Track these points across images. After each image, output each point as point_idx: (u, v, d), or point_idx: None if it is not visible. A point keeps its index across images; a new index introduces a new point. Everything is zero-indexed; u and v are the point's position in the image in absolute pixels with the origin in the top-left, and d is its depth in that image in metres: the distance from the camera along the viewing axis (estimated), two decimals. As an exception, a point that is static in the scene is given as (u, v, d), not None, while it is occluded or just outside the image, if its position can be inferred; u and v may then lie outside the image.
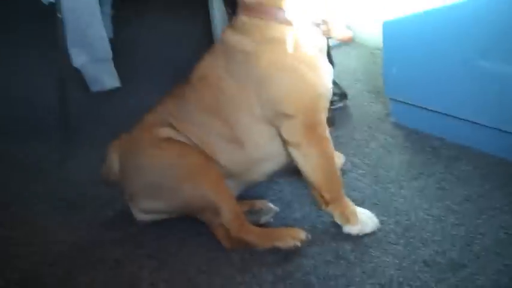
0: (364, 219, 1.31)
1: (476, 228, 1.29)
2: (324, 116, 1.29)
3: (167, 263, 1.29)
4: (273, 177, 1.49)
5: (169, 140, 1.33)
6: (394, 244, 1.28)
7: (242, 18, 1.26)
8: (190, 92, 1.34)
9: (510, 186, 1.43)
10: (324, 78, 1.28)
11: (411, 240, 1.28)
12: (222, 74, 1.30)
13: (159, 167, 1.32)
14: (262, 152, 1.34)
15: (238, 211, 1.31)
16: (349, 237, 1.30)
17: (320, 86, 1.27)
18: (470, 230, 1.29)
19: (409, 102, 1.71)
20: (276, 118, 1.27)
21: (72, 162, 1.78)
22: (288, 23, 1.23)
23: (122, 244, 1.37)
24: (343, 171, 1.56)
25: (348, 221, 1.30)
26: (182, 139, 1.34)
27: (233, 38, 1.27)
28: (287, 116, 1.25)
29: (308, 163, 1.28)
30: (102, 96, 2.03)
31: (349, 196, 1.44)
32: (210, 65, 1.32)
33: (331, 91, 1.33)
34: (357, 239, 1.30)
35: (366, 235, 1.31)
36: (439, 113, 1.64)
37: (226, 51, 1.29)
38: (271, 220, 1.41)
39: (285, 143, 1.29)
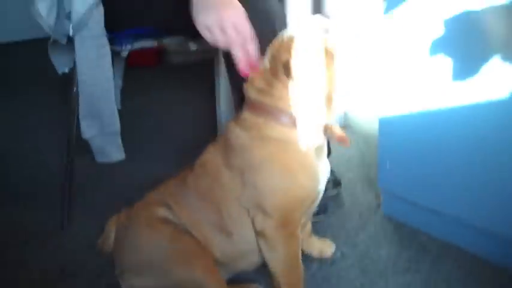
0: None
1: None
2: (300, 215, 1.33)
3: None
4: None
5: (164, 220, 1.37)
6: None
7: (245, 113, 1.32)
8: (191, 177, 1.39)
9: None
10: (315, 180, 1.32)
11: None
12: (219, 164, 1.35)
13: (150, 248, 1.34)
14: (248, 244, 1.37)
15: None
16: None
17: (308, 188, 1.31)
18: (452, 331, 1.33)
19: (400, 196, 1.77)
20: (252, 207, 1.31)
21: (70, 229, 1.82)
22: (289, 126, 1.27)
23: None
24: (332, 261, 1.61)
25: None
26: (177, 221, 1.38)
27: (234, 131, 1.33)
28: (263, 211, 1.29)
29: (273, 255, 1.32)
30: (105, 167, 2.09)
31: (337, 287, 1.49)
32: (211, 153, 1.38)
33: (320, 193, 1.37)
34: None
35: (351, 329, 1.34)
36: (427, 208, 1.70)
37: (226, 142, 1.35)
38: None
39: (255, 231, 1.33)
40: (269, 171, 1.29)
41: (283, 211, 1.29)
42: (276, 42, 1.27)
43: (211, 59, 2.64)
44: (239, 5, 1.18)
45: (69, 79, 1.79)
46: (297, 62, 1.21)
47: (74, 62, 1.77)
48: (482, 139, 1.50)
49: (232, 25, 1.18)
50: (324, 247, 1.63)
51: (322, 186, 1.36)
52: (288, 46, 1.23)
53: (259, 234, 1.32)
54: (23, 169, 2.26)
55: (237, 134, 1.33)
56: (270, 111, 1.28)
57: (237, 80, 1.71)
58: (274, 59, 1.25)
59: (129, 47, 1.81)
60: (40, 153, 2.37)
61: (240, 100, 1.73)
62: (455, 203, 1.61)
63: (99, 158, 1.95)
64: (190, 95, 3.07)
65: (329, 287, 1.51)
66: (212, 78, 2.45)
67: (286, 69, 1.22)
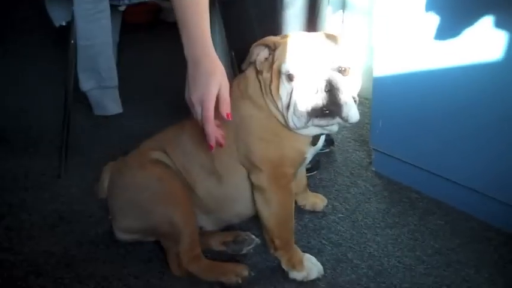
0: (309, 267, 1.38)
1: (442, 280, 1.39)
2: (291, 170, 1.35)
3: (153, 285, 1.36)
4: (244, 221, 1.55)
5: (156, 161, 1.41)
6: (365, 286, 1.37)
7: (250, 72, 1.35)
8: (189, 123, 1.42)
9: (476, 243, 1.53)
10: (300, 148, 1.34)
11: (381, 285, 1.37)
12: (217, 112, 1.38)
13: (138, 186, 1.39)
14: (237, 191, 1.41)
15: (196, 244, 1.39)
16: (325, 277, 1.39)
17: (293, 152, 1.34)
18: (437, 280, 1.39)
19: (391, 155, 1.82)
20: (247, 162, 1.36)
21: (66, 178, 1.85)
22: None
23: (110, 262, 1.45)
24: (324, 213, 1.67)
25: (294, 267, 1.37)
26: (169, 163, 1.42)
27: (235, 84, 1.37)
28: (255, 165, 1.34)
29: (266, 208, 1.35)
30: (102, 119, 2.12)
31: (327, 238, 1.55)
32: None
33: (308, 159, 1.40)
34: (333, 279, 1.39)
35: (341, 276, 1.40)
36: (417, 167, 1.75)
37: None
38: (251, 251, 1.49)
39: (251, 185, 1.37)
40: (254, 125, 1.33)
41: (272, 165, 1.32)
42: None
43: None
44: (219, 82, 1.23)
45: (67, 32, 1.79)
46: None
47: (72, 15, 1.77)
48: (474, 99, 1.54)
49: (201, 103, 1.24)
50: (316, 201, 1.68)
51: (308, 155, 1.38)
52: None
53: (255, 188, 1.36)
54: (22, 121, 2.27)
55: (239, 82, 1.37)
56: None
57: (236, 41, 1.73)
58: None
59: (126, 1, 1.81)
60: (38, 106, 2.39)
61: (237, 60, 1.76)
62: (446, 162, 1.66)
63: (97, 111, 1.98)
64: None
65: (319, 237, 1.56)
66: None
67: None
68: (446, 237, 1.56)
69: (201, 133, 1.38)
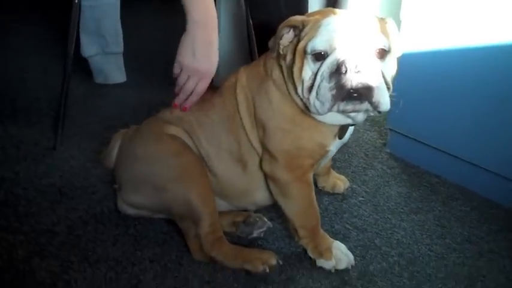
0: (338, 255, 1.28)
1: (478, 270, 1.31)
2: (309, 161, 1.24)
3: (170, 270, 1.25)
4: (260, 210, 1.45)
5: (173, 136, 1.29)
6: (399, 276, 1.28)
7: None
8: (217, 99, 1.31)
9: (506, 231, 1.46)
10: (322, 140, 1.23)
11: (416, 274, 1.29)
12: (244, 87, 1.27)
13: (152, 160, 1.27)
14: (260, 180, 1.31)
15: (218, 227, 1.27)
16: (355, 266, 1.29)
17: (314, 144, 1.22)
18: (472, 270, 1.31)
19: (410, 136, 1.74)
20: (261, 148, 1.26)
21: (62, 150, 1.71)
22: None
23: (121, 244, 1.32)
24: (344, 196, 1.57)
25: (321, 255, 1.28)
26: (188, 142, 1.30)
27: (264, 62, 1.25)
28: (269, 153, 1.23)
29: (284, 199, 1.27)
30: (98, 88, 1.96)
31: (351, 223, 1.46)
32: (240, 76, 1.29)
33: (331, 152, 1.29)
34: (363, 268, 1.30)
35: (371, 264, 1.31)
36: (438, 150, 1.67)
37: (255, 68, 1.27)
38: (262, 235, 1.38)
39: (265, 174, 1.27)
40: (275, 112, 1.21)
41: (287, 155, 1.22)
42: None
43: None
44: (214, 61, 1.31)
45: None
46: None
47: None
48: (496, 84, 1.48)
49: (197, 79, 1.31)
50: (337, 182, 1.58)
51: (332, 148, 1.26)
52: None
53: (269, 177, 1.26)
54: (21, 88, 2.09)
55: (265, 61, 1.24)
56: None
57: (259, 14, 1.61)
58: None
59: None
60: (39, 72, 2.20)
61: (257, 34, 1.64)
62: (468, 146, 1.59)
63: (98, 79, 1.82)
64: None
65: (342, 221, 1.47)
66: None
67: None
68: (474, 224, 1.49)
69: (231, 112, 1.28)
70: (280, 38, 1.15)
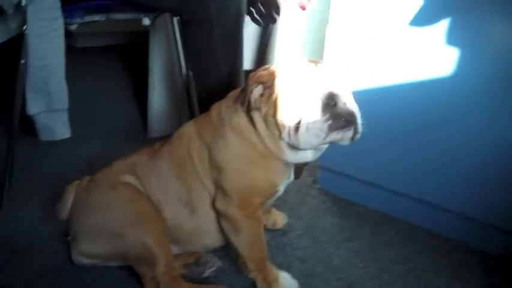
0: (285, 284, 1.42)
1: (407, 286, 1.48)
2: (259, 200, 1.38)
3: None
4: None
5: (127, 184, 1.39)
6: (341, 298, 1.43)
7: (229, 100, 1.38)
8: (166, 148, 1.43)
9: (428, 250, 1.65)
10: (274, 180, 1.37)
11: (355, 295, 1.44)
12: (194, 136, 1.40)
13: (107, 207, 1.36)
14: (208, 223, 1.42)
15: (173, 266, 1.37)
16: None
17: (267, 183, 1.36)
18: (403, 287, 1.48)
19: (338, 171, 1.91)
20: (215, 187, 1.38)
21: (10, 208, 1.75)
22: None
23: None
24: (284, 231, 1.71)
25: (269, 286, 1.40)
26: (143, 190, 1.40)
27: (218, 106, 1.39)
28: (223, 191, 1.36)
29: (236, 236, 1.38)
30: (45, 145, 2.01)
31: (293, 254, 1.59)
32: (190, 126, 1.43)
33: (279, 192, 1.43)
34: (310, 294, 1.44)
35: (316, 290, 1.45)
36: (363, 182, 1.85)
37: (207, 116, 1.41)
38: (213, 274, 1.49)
39: (217, 213, 1.39)
40: (232, 155, 1.34)
41: (241, 194, 1.35)
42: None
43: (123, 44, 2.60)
44: None
45: (15, 51, 1.71)
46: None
47: (23, 34, 1.68)
48: (412, 117, 1.67)
49: None
50: (277, 219, 1.72)
51: (281, 188, 1.42)
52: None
53: (220, 215, 1.38)
54: None
55: (219, 110, 1.38)
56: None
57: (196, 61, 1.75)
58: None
59: (79, 20, 1.77)
60: None
61: (196, 80, 1.77)
62: (389, 176, 1.78)
63: (44, 137, 1.88)
64: (112, 78, 3.08)
65: (285, 254, 1.60)
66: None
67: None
68: (400, 246, 1.66)
69: (179, 160, 1.39)
70: (251, 93, 1.28)
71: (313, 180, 2.04)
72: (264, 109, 1.28)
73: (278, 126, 1.26)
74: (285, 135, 1.26)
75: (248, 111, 1.31)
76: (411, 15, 1.59)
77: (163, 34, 2.16)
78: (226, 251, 1.54)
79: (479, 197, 1.60)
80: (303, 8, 1.77)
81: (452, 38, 1.54)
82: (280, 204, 1.87)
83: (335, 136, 1.22)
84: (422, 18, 1.58)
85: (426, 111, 1.64)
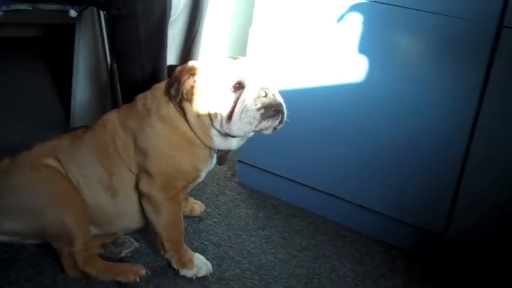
0: (199, 265, 1.49)
1: (314, 270, 1.59)
2: (182, 183, 1.45)
3: (47, 287, 1.36)
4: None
5: (48, 166, 1.42)
6: (250, 279, 1.51)
7: (159, 85, 1.45)
8: (89, 134, 1.47)
9: (335, 240, 1.76)
10: (197, 165, 1.45)
11: (264, 276, 1.53)
12: (118, 124, 1.45)
13: (28, 188, 1.38)
14: (129, 206, 1.48)
15: (91, 245, 1.41)
16: (213, 274, 1.50)
17: (190, 167, 1.44)
18: (310, 271, 1.58)
19: (256, 166, 2.00)
20: (140, 170, 1.43)
21: None
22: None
23: None
24: (201, 218, 1.78)
25: (184, 266, 1.47)
26: (63, 172, 1.43)
27: (143, 96, 1.45)
28: (148, 174, 1.42)
29: (156, 216, 1.44)
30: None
31: (208, 239, 1.66)
32: (114, 114, 1.48)
33: (201, 177, 1.50)
34: (220, 274, 1.51)
35: (227, 271, 1.52)
36: (279, 176, 1.95)
37: (132, 105, 1.46)
38: (130, 254, 1.54)
39: (140, 193, 1.44)
40: (159, 141, 1.41)
41: (166, 177, 1.42)
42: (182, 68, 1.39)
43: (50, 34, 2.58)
44: None
45: None
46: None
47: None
48: (324, 116, 1.80)
49: None
50: (195, 206, 1.79)
51: (203, 173, 1.50)
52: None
53: (144, 196, 1.43)
54: None
55: (145, 101, 1.44)
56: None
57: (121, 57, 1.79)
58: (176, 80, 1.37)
59: (4, 8, 1.76)
60: None
61: (120, 75, 1.82)
62: (302, 170, 1.89)
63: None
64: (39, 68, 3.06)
65: (200, 238, 1.67)
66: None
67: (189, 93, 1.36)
68: (310, 235, 1.77)
69: (102, 146, 1.43)
70: (183, 84, 1.35)
71: (231, 173, 2.12)
72: (195, 100, 1.36)
73: (210, 116, 1.35)
74: (217, 123, 1.35)
75: (180, 102, 1.38)
76: (330, 23, 1.71)
77: (90, 27, 2.19)
78: (144, 233, 1.59)
79: (383, 192, 1.74)
80: None
81: (366, 46, 1.67)
82: (199, 194, 1.94)
83: (265, 124, 1.34)
84: (340, 26, 1.70)
85: (338, 111, 1.77)
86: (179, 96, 1.36)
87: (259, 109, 1.31)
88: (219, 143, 1.41)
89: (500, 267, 1.60)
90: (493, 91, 1.51)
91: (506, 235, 1.57)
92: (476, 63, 1.51)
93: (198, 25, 1.97)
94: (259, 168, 2.00)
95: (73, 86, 2.30)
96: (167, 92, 1.40)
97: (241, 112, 1.32)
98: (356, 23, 1.67)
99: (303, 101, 1.81)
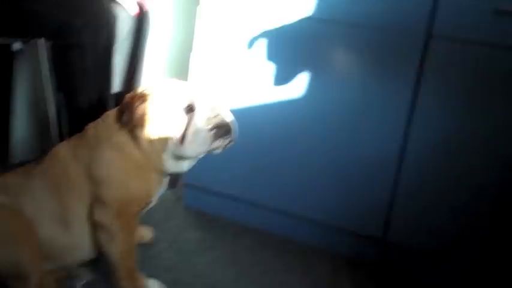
0: None
1: (263, 286, 1.66)
2: (136, 209, 1.50)
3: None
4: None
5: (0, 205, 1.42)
6: (206, 300, 1.57)
7: (110, 113, 1.49)
8: (39, 168, 1.48)
9: (282, 253, 1.85)
10: (149, 190, 1.51)
11: (216, 295, 1.59)
12: (69, 155, 1.48)
13: None
14: (83, 238, 1.49)
15: (46, 280, 1.43)
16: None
17: (142, 193, 1.50)
18: (260, 287, 1.65)
19: (202, 187, 2.06)
20: (93, 199, 1.46)
21: None
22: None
23: None
24: (150, 245, 1.82)
25: None
26: (16, 209, 1.44)
27: (94, 124, 1.49)
28: (102, 202, 1.44)
29: (110, 245, 1.46)
30: None
31: (158, 265, 1.71)
32: (64, 145, 1.51)
33: (153, 202, 1.56)
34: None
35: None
36: (223, 196, 2.02)
37: (83, 134, 1.50)
38: (85, 287, 1.56)
39: (94, 223, 1.47)
40: (112, 168, 1.45)
41: (120, 204, 1.45)
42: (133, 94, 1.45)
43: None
44: None
45: None
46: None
47: None
48: (270, 133, 1.89)
49: None
50: (145, 232, 1.83)
51: (154, 197, 1.56)
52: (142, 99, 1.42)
53: (98, 224, 1.46)
54: None
55: (96, 130, 1.48)
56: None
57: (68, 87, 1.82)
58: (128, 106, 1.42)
59: None
60: None
61: (68, 105, 1.84)
62: (249, 189, 1.97)
63: None
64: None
65: (151, 264, 1.71)
66: None
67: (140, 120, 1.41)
68: (258, 252, 1.84)
69: (54, 179, 1.46)
70: (135, 111, 1.40)
71: (177, 197, 2.17)
72: (147, 125, 1.42)
73: (163, 140, 1.41)
74: (170, 147, 1.41)
75: (131, 128, 1.43)
76: (269, 40, 1.81)
77: (31, 59, 2.19)
78: (96, 264, 1.62)
79: (324, 202, 1.84)
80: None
81: (306, 66, 1.78)
82: (147, 220, 1.98)
83: (218, 143, 1.41)
84: (278, 43, 1.81)
85: (277, 127, 1.87)
86: (131, 123, 1.41)
87: (211, 129, 1.38)
88: (172, 166, 1.47)
89: (438, 266, 1.72)
90: (424, 97, 1.65)
91: (441, 235, 1.70)
92: (407, 72, 1.65)
93: (140, 51, 2.02)
94: (205, 190, 2.06)
95: (11, 121, 2.29)
96: (118, 119, 1.44)
97: (194, 133, 1.38)
98: (294, 39, 1.77)
99: (243, 120, 1.88)
